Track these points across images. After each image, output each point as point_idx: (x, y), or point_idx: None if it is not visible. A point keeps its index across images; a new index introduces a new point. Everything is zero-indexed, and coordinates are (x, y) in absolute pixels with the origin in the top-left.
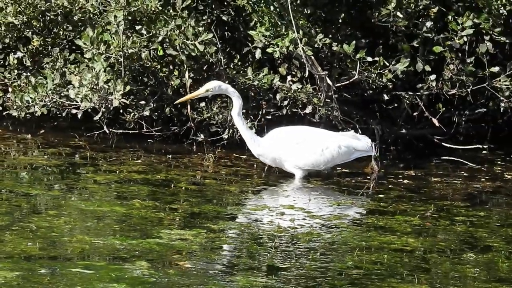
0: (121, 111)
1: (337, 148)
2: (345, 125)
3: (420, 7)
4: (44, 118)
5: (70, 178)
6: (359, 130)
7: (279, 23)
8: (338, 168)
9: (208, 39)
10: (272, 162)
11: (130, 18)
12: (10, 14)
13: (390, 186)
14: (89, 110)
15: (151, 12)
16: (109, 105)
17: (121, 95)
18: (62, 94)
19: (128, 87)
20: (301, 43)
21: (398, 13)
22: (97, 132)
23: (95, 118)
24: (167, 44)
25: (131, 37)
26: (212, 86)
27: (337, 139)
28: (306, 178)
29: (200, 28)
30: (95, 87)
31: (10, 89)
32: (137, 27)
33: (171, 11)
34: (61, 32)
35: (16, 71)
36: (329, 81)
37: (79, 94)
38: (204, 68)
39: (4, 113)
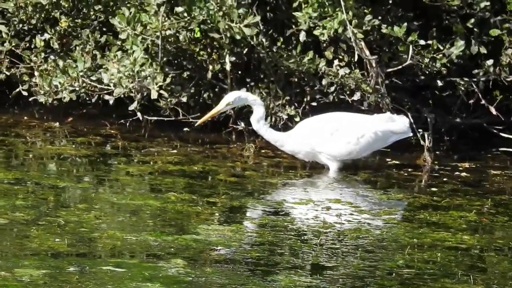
0: (156, 98)
1: (373, 135)
2: (396, 113)
3: None
4: (73, 105)
5: (100, 169)
6: (411, 118)
7: (326, 3)
8: (387, 159)
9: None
10: (306, 156)
11: None
12: None
13: (444, 179)
14: (122, 96)
15: None
16: (146, 93)
17: (160, 87)
18: (92, 79)
19: (168, 79)
20: (350, 24)
21: None
22: (130, 119)
23: (130, 108)
24: (208, 26)
25: (170, 18)
26: (232, 98)
27: (372, 125)
28: (342, 169)
29: (241, 10)
30: (131, 73)
31: (36, 73)
32: (178, 9)
33: None
34: (91, 13)
35: (43, 54)
36: (378, 65)
37: (113, 79)
38: (244, 52)
39: (30, 99)
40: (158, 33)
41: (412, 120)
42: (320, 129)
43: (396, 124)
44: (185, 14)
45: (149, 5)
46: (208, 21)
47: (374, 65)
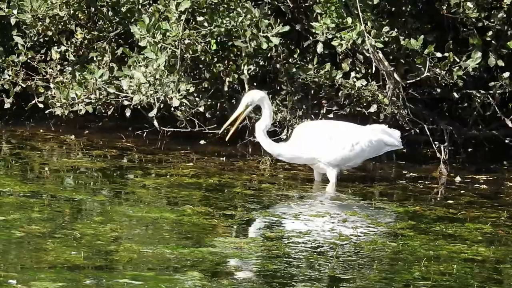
0: (172, 108)
1: (368, 143)
2: (412, 125)
3: None
4: (89, 118)
5: (116, 182)
6: (427, 130)
7: (345, 15)
8: (404, 172)
9: (284, 31)
10: (306, 162)
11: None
12: (56, 5)
13: (460, 191)
14: (139, 107)
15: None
16: (167, 102)
17: (182, 96)
18: (110, 91)
19: (192, 89)
20: (369, 35)
21: (469, 3)
22: (146, 131)
23: (150, 115)
24: (234, 34)
25: (190, 28)
26: (251, 98)
27: (367, 134)
28: (356, 182)
29: (266, 21)
30: (152, 80)
31: (52, 85)
32: (199, 18)
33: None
34: (107, 25)
35: (58, 66)
36: (396, 77)
37: (132, 86)
38: (261, 64)
39: (46, 112)
40: (177, 42)
41: (429, 133)
42: (316, 135)
43: (389, 137)
44: (206, 24)
45: (170, 12)
46: (233, 30)
47: (391, 76)
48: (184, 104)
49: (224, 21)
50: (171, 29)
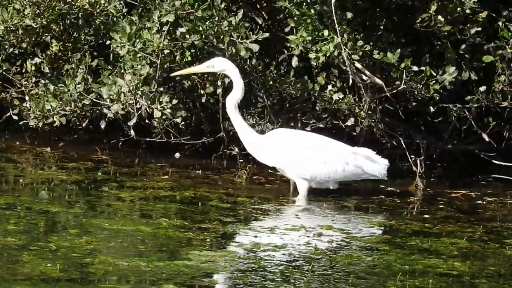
0: (146, 120)
1: (344, 164)
2: (388, 139)
3: (466, 12)
4: (64, 131)
5: (92, 194)
6: (403, 144)
7: (320, 28)
8: (381, 185)
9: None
10: (276, 167)
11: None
12: (28, 16)
13: (435, 205)
14: (118, 116)
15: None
16: (144, 112)
17: (164, 108)
18: (85, 102)
19: (175, 101)
20: (346, 47)
21: (440, 17)
22: (121, 140)
23: (129, 123)
24: (211, 41)
25: (172, 39)
26: (213, 63)
27: (346, 155)
28: (331, 195)
29: (244, 28)
30: (134, 90)
31: (27, 97)
32: (182, 30)
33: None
34: (82, 37)
35: (33, 78)
36: (378, 80)
37: (112, 95)
38: None
39: (20, 123)
40: (157, 51)
41: (404, 146)
42: (291, 143)
43: (372, 166)
44: (187, 36)
45: (152, 22)
46: (211, 37)
47: (374, 79)
48: (165, 115)
49: (202, 27)
50: (152, 39)
